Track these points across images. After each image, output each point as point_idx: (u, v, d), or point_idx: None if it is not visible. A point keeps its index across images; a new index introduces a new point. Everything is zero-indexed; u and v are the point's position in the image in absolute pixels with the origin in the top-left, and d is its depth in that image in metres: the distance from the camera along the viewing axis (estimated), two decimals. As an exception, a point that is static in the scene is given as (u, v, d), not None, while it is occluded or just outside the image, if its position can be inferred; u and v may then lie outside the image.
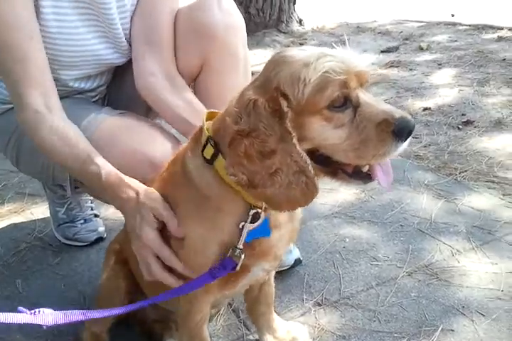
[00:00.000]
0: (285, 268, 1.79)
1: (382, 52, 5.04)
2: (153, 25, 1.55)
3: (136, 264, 1.35)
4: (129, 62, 1.65)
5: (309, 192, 0.98)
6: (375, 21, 6.37)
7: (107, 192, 1.28)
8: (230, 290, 1.22)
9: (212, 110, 1.16)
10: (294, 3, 5.91)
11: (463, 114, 3.34)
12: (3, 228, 2.23)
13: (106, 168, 1.28)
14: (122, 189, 1.23)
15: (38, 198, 2.43)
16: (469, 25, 5.75)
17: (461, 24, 5.86)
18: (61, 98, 1.57)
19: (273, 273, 1.45)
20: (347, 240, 2.02)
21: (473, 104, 3.50)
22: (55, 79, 1.53)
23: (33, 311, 1.04)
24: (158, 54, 1.56)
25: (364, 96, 0.97)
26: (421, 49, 4.99)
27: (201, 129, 1.10)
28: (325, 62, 0.94)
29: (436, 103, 3.59)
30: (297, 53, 0.98)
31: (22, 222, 2.26)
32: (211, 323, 1.60)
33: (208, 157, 1.05)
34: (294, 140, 0.95)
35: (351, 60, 0.96)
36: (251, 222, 1.09)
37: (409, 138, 0.96)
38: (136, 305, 1.23)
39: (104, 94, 1.82)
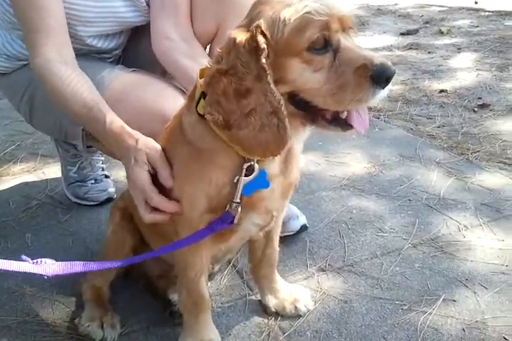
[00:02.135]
0: (290, 233, 1.80)
1: (401, 34, 4.99)
2: None
3: (141, 219, 1.38)
4: (145, 26, 1.66)
5: (280, 137, 0.97)
6: (396, 4, 6.30)
7: (109, 140, 1.29)
8: (223, 243, 1.25)
9: (205, 67, 1.16)
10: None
11: (479, 98, 3.31)
12: (15, 186, 2.26)
13: (110, 116, 1.30)
14: (123, 137, 1.25)
15: (51, 159, 2.46)
16: (492, 12, 5.67)
17: (483, 10, 5.78)
18: (77, 56, 1.58)
19: (276, 237, 1.46)
20: (354, 211, 2.02)
21: (490, 88, 3.46)
22: (73, 36, 1.55)
23: (35, 261, 1.06)
24: (174, 17, 1.56)
25: (345, 40, 0.96)
26: (441, 33, 4.94)
27: (195, 86, 1.10)
28: (307, 3, 0.92)
29: (453, 86, 3.56)
30: None
31: (34, 181, 2.29)
32: (215, 282, 1.62)
33: (201, 112, 1.04)
34: (269, 78, 0.94)
35: (335, 4, 0.95)
36: (245, 176, 1.09)
37: (388, 85, 0.94)
38: (135, 259, 1.25)
39: (119, 57, 1.82)
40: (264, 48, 0.93)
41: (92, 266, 1.14)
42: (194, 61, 1.51)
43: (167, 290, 1.49)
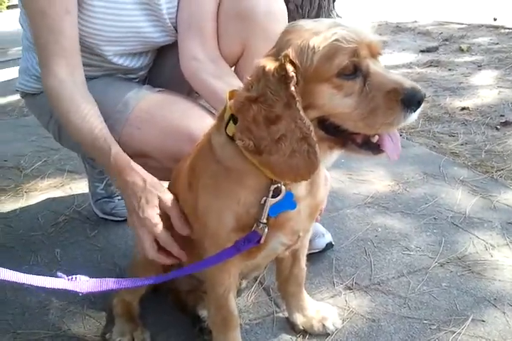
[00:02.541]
0: (316, 251, 1.80)
1: (421, 51, 5.01)
2: (198, 11, 1.59)
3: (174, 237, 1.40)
4: (171, 46, 1.70)
5: (310, 162, 0.99)
6: (415, 22, 6.33)
7: (112, 171, 1.34)
8: (250, 261, 1.26)
9: (235, 89, 1.19)
10: (334, 0, 5.90)
11: (501, 115, 3.30)
12: (43, 201, 2.30)
13: (116, 147, 1.35)
14: (128, 172, 1.30)
15: (77, 175, 2.50)
16: (512, 29, 5.66)
17: (503, 27, 5.78)
18: (104, 76, 1.63)
19: (303, 257, 1.47)
20: (379, 229, 2.02)
21: (512, 106, 3.45)
22: (98, 55, 1.60)
23: (70, 277, 1.08)
24: (201, 39, 1.60)
25: (374, 65, 0.98)
26: (461, 50, 4.94)
27: (225, 107, 1.12)
28: (336, 31, 0.95)
29: (475, 103, 3.55)
30: (309, 23, 1.01)
31: (61, 197, 2.33)
32: (242, 299, 1.63)
33: (231, 134, 1.07)
34: (298, 105, 0.96)
35: (363, 30, 0.98)
36: (272, 197, 1.11)
37: (419, 108, 0.96)
38: (166, 276, 1.26)
39: (145, 78, 1.86)
40: (292, 76, 0.95)
41: (125, 283, 1.17)
42: (221, 81, 1.54)
43: (196, 307, 1.50)
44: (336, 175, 2.47)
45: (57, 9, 1.42)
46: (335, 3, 5.95)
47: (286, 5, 6.09)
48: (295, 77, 0.96)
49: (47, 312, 1.60)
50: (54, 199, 2.31)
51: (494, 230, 1.99)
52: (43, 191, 2.38)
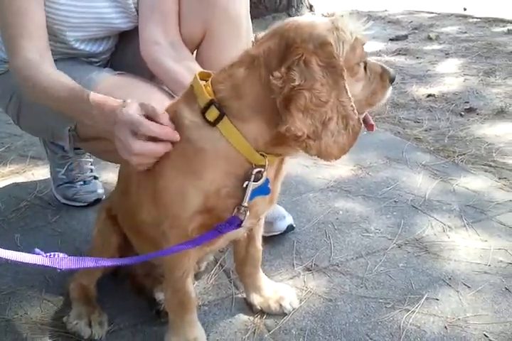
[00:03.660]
0: (277, 233, 1.82)
1: (390, 40, 5.05)
2: None
3: (125, 221, 1.40)
4: (133, 31, 1.68)
5: (354, 134, 1.05)
6: (385, 10, 6.38)
7: (94, 114, 1.27)
8: (210, 246, 1.27)
9: (203, 70, 1.19)
10: (306, -12, 5.91)
11: (466, 102, 3.36)
12: (4, 187, 2.28)
13: (92, 92, 1.31)
14: (107, 103, 1.24)
15: (40, 161, 2.47)
16: (480, 18, 5.74)
17: (472, 17, 5.86)
18: (65, 59, 1.61)
19: (258, 236, 1.48)
20: (340, 212, 2.05)
21: (477, 93, 3.51)
22: (60, 40, 1.58)
23: (48, 254, 1.07)
24: (162, 23, 1.58)
25: None
26: (430, 39, 5.00)
27: (192, 87, 1.12)
28: (348, 26, 1.06)
29: (441, 90, 3.61)
30: (312, 18, 1.09)
31: (23, 182, 2.31)
32: (202, 282, 1.64)
33: (211, 119, 1.07)
34: (346, 85, 1.03)
35: (360, 24, 1.10)
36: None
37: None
38: (143, 257, 1.24)
39: (107, 62, 1.85)
40: (341, 63, 1.03)
41: (102, 262, 1.15)
42: (181, 64, 1.54)
43: (153, 289, 1.50)
44: (301, 160, 2.49)
45: None
46: (307, -10, 5.96)
47: (259, -6, 5.99)
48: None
49: (4, 298, 1.58)
50: (16, 185, 2.29)
51: (452, 212, 2.04)
52: (5, 177, 2.35)
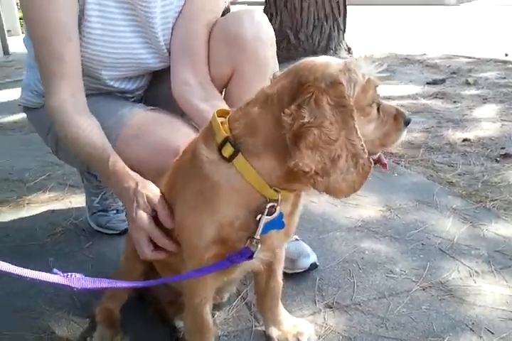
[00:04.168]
0: (300, 270, 1.84)
1: (427, 83, 5.08)
2: (190, 37, 1.68)
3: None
4: (166, 70, 1.78)
5: (364, 173, 1.08)
6: (424, 54, 6.43)
7: (110, 179, 1.39)
8: (227, 276, 1.31)
9: (221, 108, 1.26)
10: (344, 31, 6.04)
11: (502, 148, 3.33)
12: (42, 213, 2.38)
13: (114, 157, 1.41)
14: (125, 178, 1.35)
15: (78, 189, 2.57)
16: (520, 64, 5.74)
17: (511, 62, 5.85)
18: (101, 94, 1.71)
19: (279, 270, 1.50)
20: (366, 252, 2.05)
21: (514, 139, 3.49)
22: (96, 78, 1.69)
23: (65, 274, 1.13)
24: (192, 64, 1.68)
25: None
26: (467, 83, 5.01)
27: (211, 124, 1.19)
28: (362, 68, 1.09)
29: (477, 135, 3.60)
30: (327, 59, 1.14)
31: (60, 209, 2.41)
32: (223, 313, 1.67)
33: (227, 155, 1.13)
34: (356, 125, 1.06)
35: (373, 67, 1.13)
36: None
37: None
38: (155, 281, 1.31)
39: (141, 98, 1.95)
40: (351, 103, 1.06)
41: (117, 284, 1.22)
42: (207, 103, 1.62)
43: (175, 317, 1.54)
44: (329, 199, 2.51)
45: (60, 37, 1.50)
46: (345, 34, 6.09)
47: (297, 35, 6.32)
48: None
49: (34, 317, 1.65)
50: (53, 211, 2.39)
51: (480, 258, 2.01)
52: (44, 203, 2.46)
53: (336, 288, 1.82)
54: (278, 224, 1.21)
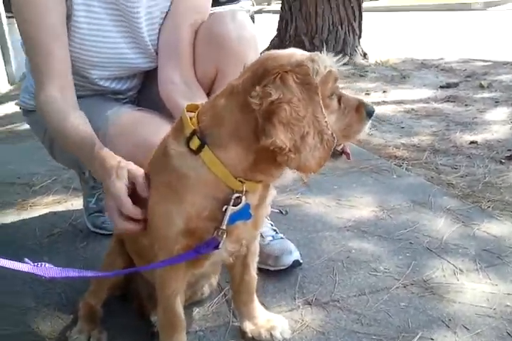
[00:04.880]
0: (282, 267, 1.87)
1: (441, 87, 5.06)
2: (175, 37, 1.75)
3: (129, 244, 1.52)
4: (156, 70, 1.83)
5: (328, 149, 1.12)
6: (441, 59, 6.39)
7: (94, 163, 1.42)
8: (197, 269, 1.36)
9: (192, 103, 1.31)
10: (360, 36, 6.06)
11: (509, 150, 3.31)
12: (44, 214, 2.47)
13: (100, 144, 1.46)
14: (108, 159, 1.38)
15: (80, 192, 2.64)
16: (537, 67, 5.66)
17: (529, 65, 5.78)
18: (94, 95, 1.79)
19: (253, 264, 1.53)
20: (353, 251, 2.07)
21: (522, 141, 3.46)
22: (87, 78, 1.76)
23: (36, 263, 1.20)
24: (178, 64, 1.74)
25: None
26: (481, 87, 4.97)
27: (181, 119, 1.24)
28: (325, 61, 1.13)
29: (485, 138, 3.58)
30: (292, 50, 1.18)
31: (61, 211, 2.50)
32: (203, 309, 1.71)
33: (194, 148, 1.18)
34: (321, 102, 1.10)
35: (333, 60, 1.17)
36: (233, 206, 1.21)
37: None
38: (124, 271, 1.38)
39: (134, 99, 2.02)
40: (316, 81, 1.10)
41: (85, 273, 1.28)
42: (191, 101, 1.67)
43: (152, 312, 1.59)
44: (324, 200, 2.55)
45: (48, 36, 1.59)
46: (360, 39, 6.10)
47: (312, 40, 6.32)
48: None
49: (21, 313, 1.72)
50: (55, 213, 2.48)
51: (467, 256, 2.02)
52: (47, 206, 2.55)
53: (318, 285, 1.84)
54: (244, 214, 1.25)
